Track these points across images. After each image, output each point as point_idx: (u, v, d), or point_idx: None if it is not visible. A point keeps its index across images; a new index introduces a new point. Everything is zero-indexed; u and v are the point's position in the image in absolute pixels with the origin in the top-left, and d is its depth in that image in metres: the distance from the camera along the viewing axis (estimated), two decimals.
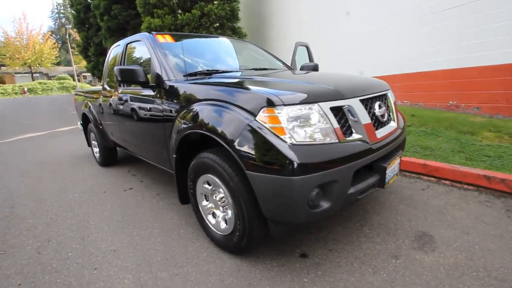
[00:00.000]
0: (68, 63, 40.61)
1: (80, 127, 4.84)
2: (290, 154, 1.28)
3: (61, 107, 14.67)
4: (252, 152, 1.35)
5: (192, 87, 1.83)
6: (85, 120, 4.23)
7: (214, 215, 1.85)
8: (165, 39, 2.41)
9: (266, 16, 10.38)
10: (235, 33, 9.61)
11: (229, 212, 1.68)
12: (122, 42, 2.94)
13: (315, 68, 3.16)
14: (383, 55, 5.73)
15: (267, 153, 1.31)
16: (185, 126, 1.73)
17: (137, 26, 11.54)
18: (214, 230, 1.82)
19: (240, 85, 1.63)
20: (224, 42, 3.00)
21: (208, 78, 1.97)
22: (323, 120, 1.39)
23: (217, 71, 2.21)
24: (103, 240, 2.08)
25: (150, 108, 2.22)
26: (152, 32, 2.47)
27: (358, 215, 2.12)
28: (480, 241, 1.72)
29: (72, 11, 13.87)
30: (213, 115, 1.53)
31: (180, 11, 9.04)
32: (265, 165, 1.32)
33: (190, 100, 1.77)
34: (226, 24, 9.30)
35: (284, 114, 1.34)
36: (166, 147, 2.16)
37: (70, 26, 39.70)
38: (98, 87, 4.12)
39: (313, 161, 1.30)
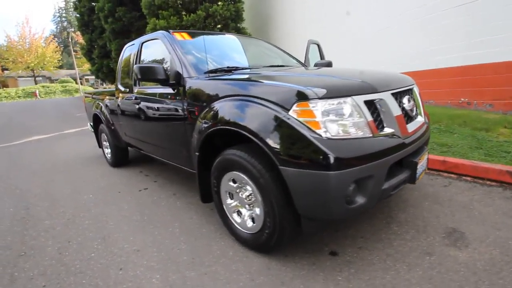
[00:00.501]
0: (71, 66, 40.81)
1: (90, 128, 4.83)
2: (328, 149, 1.25)
3: (65, 110, 14.71)
4: (287, 147, 1.32)
5: (217, 83, 1.80)
6: (96, 121, 4.22)
7: (239, 213, 1.82)
8: (183, 37, 2.39)
9: (271, 16, 10.38)
10: (240, 34, 9.61)
11: (257, 209, 1.65)
12: (136, 41, 2.92)
13: (329, 65, 3.13)
14: (388, 54, 5.70)
15: (303, 148, 1.28)
16: (210, 123, 1.71)
17: (141, 27, 11.57)
18: (240, 228, 1.79)
19: (269, 80, 1.60)
20: (237, 40, 2.97)
21: (231, 75, 1.95)
22: (357, 114, 1.36)
23: (237, 68, 2.19)
24: (125, 240, 2.05)
25: (169, 106, 2.19)
26: (169, 30, 2.45)
27: (384, 212, 2.08)
28: None
29: (76, 14, 13.91)
30: (243, 111, 1.50)
31: (184, 12, 9.05)
32: (301, 160, 1.29)
33: (215, 96, 1.75)
34: (231, 25, 9.30)
35: (319, 108, 1.31)
36: (186, 146, 2.14)
37: (73, 29, 39.94)
38: (110, 88, 4.11)
39: (350, 155, 1.27)
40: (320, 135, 1.28)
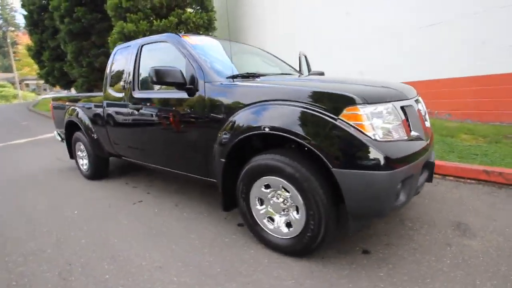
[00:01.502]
0: (6, 69, 35.98)
1: (58, 137, 4.33)
2: (382, 150, 1.33)
3: (8, 118, 12.89)
4: (341, 150, 1.38)
5: (255, 88, 1.79)
6: (70, 129, 3.79)
7: (270, 219, 1.80)
8: (193, 41, 2.33)
9: (242, 28, 10.56)
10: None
11: (294, 214, 1.66)
12: (133, 44, 2.74)
13: (321, 74, 3.31)
14: (347, 67, 6.23)
15: (358, 150, 1.35)
16: (245, 128, 1.68)
17: (103, 30, 10.82)
18: (273, 234, 1.77)
19: (311, 86, 1.64)
20: (241, 46, 2.99)
21: (261, 80, 1.96)
22: (397, 118, 1.48)
23: (254, 74, 2.20)
24: (140, 257, 1.87)
25: (184, 112, 2.10)
26: (178, 34, 2.36)
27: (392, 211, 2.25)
28: (508, 224, 1.95)
29: (24, 12, 12.46)
30: (292, 116, 1.51)
31: (154, 17, 8.74)
32: (356, 161, 1.35)
33: (250, 101, 1.73)
34: (204, 33, 9.25)
35: (367, 112, 1.40)
36: (202, 153, 2.06)
37: (10, 28, 35.41)
38: (84, 93, 3.75)
39: (398, 156, 1.37)
40: (371, 138, 1.37)
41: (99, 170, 3.61)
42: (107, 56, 11.62)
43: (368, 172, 1.33)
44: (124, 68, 2.75)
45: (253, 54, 3.22)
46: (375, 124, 1.40)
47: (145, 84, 2.57)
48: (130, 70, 2.65)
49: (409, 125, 1.58)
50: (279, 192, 1.70)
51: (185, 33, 9.01)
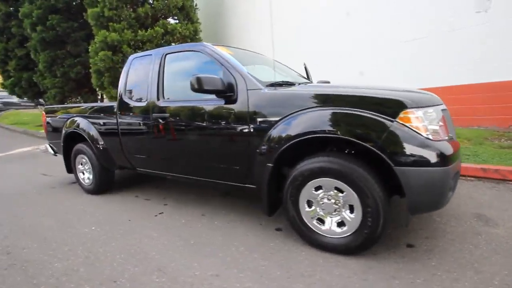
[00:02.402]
0: None
1: (50, 150, 4.04)
2: (437, 149, 1.48)
3: None
4: (401, 150, 1.50)
5: (304, 93, 1.88)
6: (68, 141, 3.56)
7: (320, 220, 1.86)
8: (224, 50, 2.37)
9: (225, 40, 10.70)
10: None
11: (347, 213, 1.74)
12: (154, 52, 2.70)
13: (327, 82, 3.51)
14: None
15: (417, 149, 1.48)
16: (301, 132, 1.75)
17: (79, 39, 10.34)
18: (325, 235, 1.82)
19: (367, 92, 1.75)
20: (258, 56, 3.07)
21: (305, 87, 2.07)
22: (440, 120, 1.65)
23: (287, 82, 2.29)
24: (189, 268, 1.81)
25: (225, 119, 2.11)
26: (208, 43, 2.40)
27: None
28: None
29: None
30: (349, 120, 1.62)
31: (138, 26, 8.58)
32: (416, 160, 1.48)
33: (301, 107, 1.81)
34: None
35: (420, 115, 1.55)
36: (245, 159, 2.08)
37: None
38: (103, 103, 3.55)
39: (449, 153, 1.53)
40: (426, 138, 1.51)
41: (105, 184, 3.42)
42: (84, 65, 11.08)
43: (429, 168, 1.47)
44: (145, 77, 2.69)
45: (264, 62, 3.33)
46: (428, 125, 1.55)
47: (172, 93, 2.54)
48: (153, 79, 2.61)
49: (446, 126, 1.76)
50: (330, 193, 1.78)
51: (170, 43, 8.95)
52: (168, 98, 2.53)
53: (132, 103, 2.78)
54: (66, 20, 9.71)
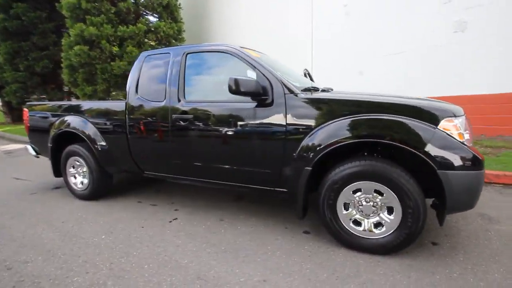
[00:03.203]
0: None
1: (32, 151, 3.64)
2: (473, 153, 1.63)
3: None
4: (445, 154, 1.62)
5: (347, 100, 1.95)
6: (58, 142, 3.24)
7: (356, 223, 1.93)
8: (254, 53, 2.36)
9: (206, 39, 10.56)
10: None
11: (385, 214, 1.83)
12: (173, 51, 2.58)
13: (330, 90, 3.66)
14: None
15: (459, 154, 1.62)
16: (344, 136, 1.80)
17: (47, 31, 9.45)
18: (363, 236, 1.89)
19: (406, 101, 1.86)
20: (272, 58, 3.08)
21: (336, 94, 2.13)
22: (467, 128, 1.83)
23: (316, 88, 2.35)
24: (231, 274, 1.75)
25: (259, 122, 2.10)
26: (235, 45, 2.36)
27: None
28: None
29: None
30: (394, 126, 1.70)
31: (118, 21, 8.11)
32: (457, 164, 1.61)
33: (342, 112, 1.88)
34: (173, 44, 8.97)
35: (457, 123, 1.70)
36: (279, 163, 2.08)
37: None
38: (107, 101, 3.26)
39: (481, 158, 1.69)
40: (465, 144, 1.66)
41: (102, 189, 3.17)
42: (52, 59, 10.17)
43: (468, 172, 1.61)
44: (162, 76, 2.56)
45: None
46: (463, 133, 1.70)
47: (194, 94, 2.46)
48: (173, 78, 2.49)
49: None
50: (369, 195, 1.86)
51: (158, 42, 8.61)
52: (190, 99, 2.44)
53: (146, 103, 2.63)
54: (34, 9, 8.85)
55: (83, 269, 1.88)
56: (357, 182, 1.84)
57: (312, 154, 1.93)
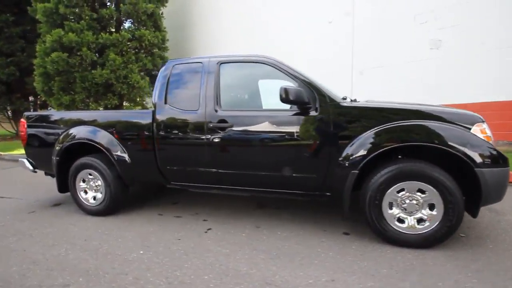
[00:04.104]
0: None
1: (29, 166, 3.33)
2: (502, 153, 1.90)
3: None
4: (482, 154, 1.87)
5: (389, 108, 2.16)
6: (66, 155, 3.01)
7: (399, 220, 2.10)
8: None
9: (191, 50, 10.51)
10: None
11: (427, 211, 2.02)
12: (205, 60, 2.59)
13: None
14: None
15: (491, 153, 1.87)
16: (391, 140, 1.98)
17: (14, 36, 8.64)
18: (407, 233, 2.05)
19: (440, 109, 2.10)
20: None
21: (377, 103, 2.32)
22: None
23: (346, 97, 2.53)
24: (297, 277, 1.79)
25: (304, 130, 2.20)
26: (271, 56, 2.46)
27: None
28: None
29: None
30: (438, 131, 1.93)
31: (99, 28, 7.76)
32: (491, 162, 1.86)
33: (385, 119, 2.06)
34: (157, 53, 8.80)
35: (485, 127, 1.97)
36: (324, 168, 2.20)
37: None
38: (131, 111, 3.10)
39: (507, 157, 1.97)
40: (493, 145, 1.93)
41: (119, 203, 3.00)
42: (19, 66, 9.28)
43: (499, 169, 1.87)
44: (195, 85, 2.56)
45: None
46: (490, 135, 1.98)
47: (231, 103, 2.50)
48: (208, 87, 2.50)
49: None
50: (412, 194, 2.04)
51: (143, 51, 8.37)
52: (227, 108, 2.47)
53: (178, 112, 2.59)
54: None
55: (139, 286, 1.78)
56: (402, 182, 2.02)
57: (359, 158, 2.07)
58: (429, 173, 1.95)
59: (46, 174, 3.56)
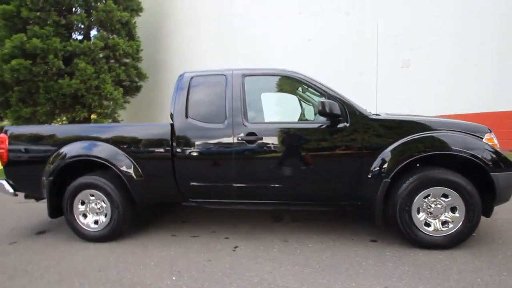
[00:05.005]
0: None
1: (9, 189, 2.87)
2: (509, 158, 2.19)
3: None
4: (493, 159, 2.12)
5: (414, 120, 2.35)
6: (62, 174, 2.66)
7: (427, 224, 2.26)
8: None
9: (164, 60, 10.21)
10: (139, 74, 8.72)
11: (450, 214, 2.21)
12: (228, 73, 2.54)
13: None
14: None
15: (502, 159, 2.14)
16: (420, 150, 2.16)
17: None
18: (433, 235, 2.21)
19: (455, 122, 2.35)
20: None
21: (403, 116, 2.51)
22: None
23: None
24: (350, 286, 1.81)
25: (339, 141, 2.28)
26: (295, 71, 2.52)
27: None
28: None
29: None
30: (459, 140, 2.16)
31: (67, 34, 7.16)
32: (503, 166, 2.12)
33: (412, 130, 2.24)
34: (130, 63, 8.38)
35: (493, 136, 2.25)
36: (355, 178, 2.29)
37: None
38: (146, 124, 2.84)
39: None
40: (500, 151, 2.21)
41: (126, 225, 2.72)
42: None
43: (509, 172, 2.14)
44: (220, 98, 2.49)
45: None
46: (497, 143, 2.27)
47: (257, 115, 2.48)
48: (234, 99, 2.45)
49: None
50: (437, 199, 2.22)
51: (115, 60, 7.87)
52: (254, 120, 2.45)
53: (201, 125, 2.48)
54: None
55: None
56: (429, 189, 2.19)
57: (390, 167, 2.21)
58: (453, 179, 2.15)
59: (27, 197, 3.09)
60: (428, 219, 2.25)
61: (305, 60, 7.30)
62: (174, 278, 2.03)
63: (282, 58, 7.63)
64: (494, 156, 2.17)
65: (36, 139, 2.80)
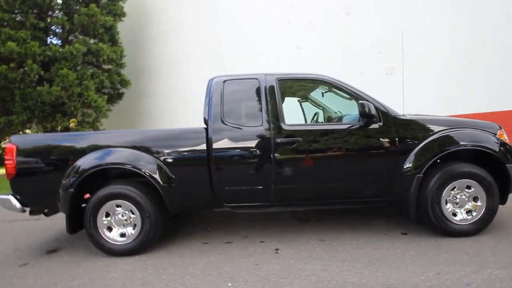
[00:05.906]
0: None
1: (16, 204, 2.60)
2: None
3: None
4: (507, 153, 2.39)
5: (436, 120, 2.56)
6: (82, 186, 2.47)
7: (453, 214, 2.46)
8: None
9: (147, 67, 9.89)
10: (122, 81, 8.34)
11: (472, 203, 2.44)
12: (261, 77, 2.56)
13: None
14: None
15: None
16: (448, 146, 2.37)
17: None
18: (461, 224, 2.42)
19: (473, 120, 2.60)
20: None
21: (426, 116, 2.71)
22: None
23: None
24: (408, 276, 1.91)
25: (375, 141, 2.42)
26: (330, 76, 2.63)
27: None
28: None
29: None
30: (481, 136, 2.40)
31: (48, 39, 6.67)
32: None
33: (437, 128, 2.45)
34: (114, 69, 8.01)
35: (503, 132, 2.54)
36: (390, 175, 2.44)
37: None
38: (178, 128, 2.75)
39: None
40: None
41: (156, 236, 2.58)
42: None
43: None
44: (255, 102, 2.52)
45: None
46: (507, 139, 2.57)
47: (293, 118, 2.54)
48: (269, 103, 2.49)
49: None
50: (462, 191, 2.44)
51: (98, 65, 7.47)
52: (291, 122, 2.51)
53: (238, 129, 2.47)
54: None
55: None
56: (455, 181, 2.41)
57: (422, 163, 2.39)
58: (475, 172, 2.38)
59: (32, 213, 2.79)
60: (455, 209, 2.46)
61: (294, 67, 7.54)
62: (230, 284, 1.98)
63: (270, 65, 7.80)
64: (508, 149, 2.45)
65: (51, 148, 2.58)
